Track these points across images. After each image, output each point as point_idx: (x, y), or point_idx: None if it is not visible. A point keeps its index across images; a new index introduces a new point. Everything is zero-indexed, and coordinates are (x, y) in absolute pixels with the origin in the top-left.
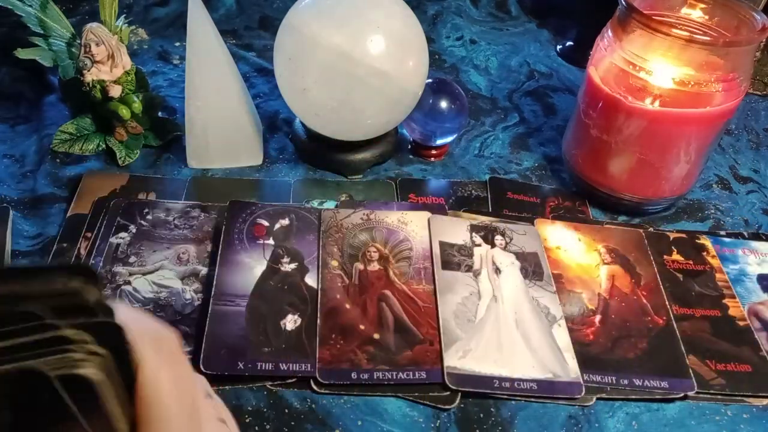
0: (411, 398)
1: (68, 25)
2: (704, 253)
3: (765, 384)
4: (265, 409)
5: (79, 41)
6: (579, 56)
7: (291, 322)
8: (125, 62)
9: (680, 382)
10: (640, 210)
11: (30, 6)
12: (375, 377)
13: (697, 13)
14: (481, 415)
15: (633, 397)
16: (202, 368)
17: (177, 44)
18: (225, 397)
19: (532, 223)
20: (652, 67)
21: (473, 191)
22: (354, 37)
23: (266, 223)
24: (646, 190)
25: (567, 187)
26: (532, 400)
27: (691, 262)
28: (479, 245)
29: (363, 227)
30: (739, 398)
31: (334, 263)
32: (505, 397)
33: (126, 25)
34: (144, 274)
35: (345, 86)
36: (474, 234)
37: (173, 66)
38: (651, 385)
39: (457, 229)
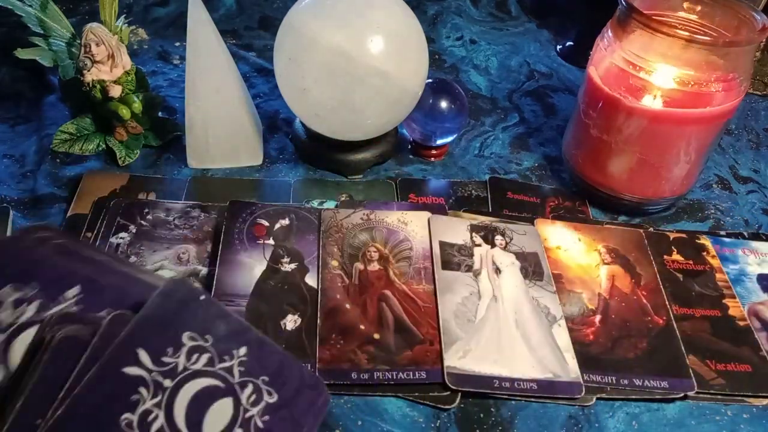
0: (411, 398)
1: (68, 25)
2: (704, 253)
3: (765, 384)
4: None
5: (79, 41)
6: (579, 56)
7: (291, 322)
8: (125, 62)
9: (680, 382)
10: (640, 210)
11: (30, 6)
12: (375, 377)
13: (697, 13)
14: (481, 415)
15: (633, 397)
16: None
17: (177, 44)
18: None
19: (532, 223)
20: (652, 67)
21: (473, 191)
22: (354, 37)
23: (266, 223)
24: (646, 190)
25: (567, 187)
26: (532, 400)
27: (691, 262)
28: (479, 245)
29: (363, 227)
30: (739, 398)
31: (334, 263)
32: (505, 397)
33: (126, 25)
34: None
35: (345, 86)
36: (474, 234)
37: (173, 66)
38: (651, 385)
39: (457, 229)
